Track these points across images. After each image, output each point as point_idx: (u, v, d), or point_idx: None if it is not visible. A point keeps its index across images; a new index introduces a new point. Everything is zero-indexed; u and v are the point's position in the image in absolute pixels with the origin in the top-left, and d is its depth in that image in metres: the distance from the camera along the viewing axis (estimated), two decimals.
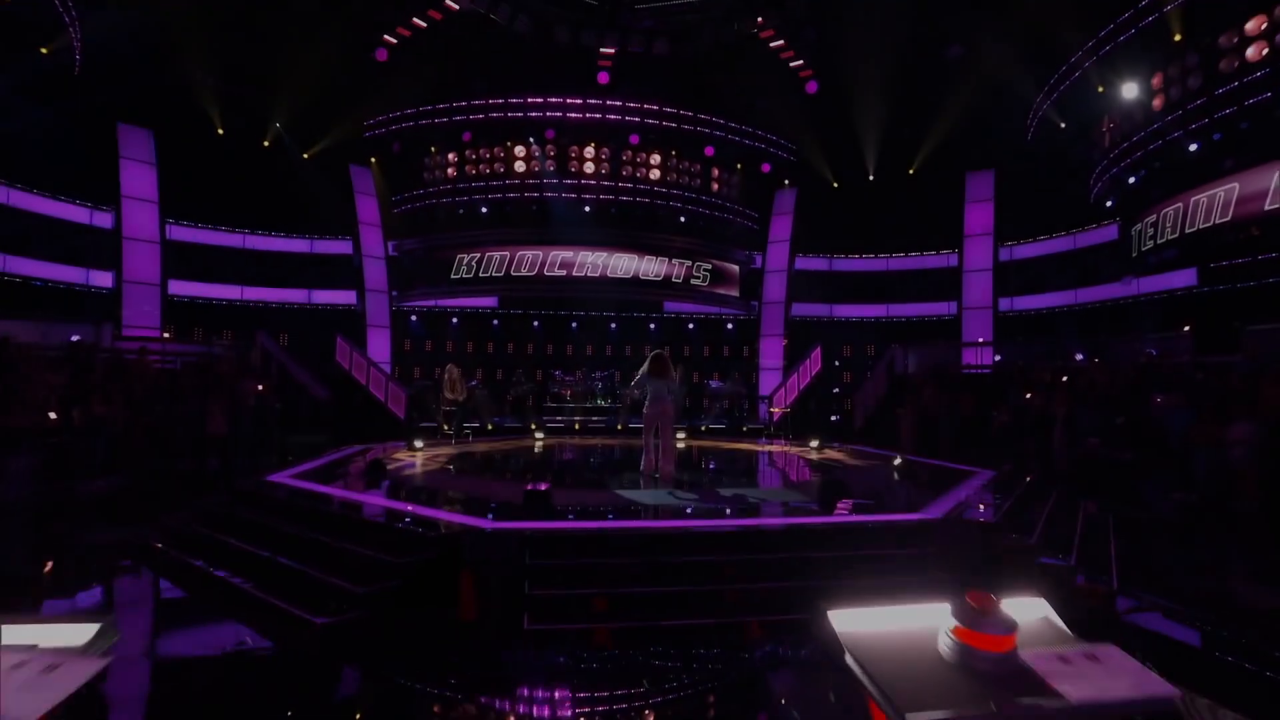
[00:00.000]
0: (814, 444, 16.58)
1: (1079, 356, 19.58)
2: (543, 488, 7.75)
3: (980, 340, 21.96)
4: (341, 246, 23.12)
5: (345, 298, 23.07)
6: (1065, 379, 16.37)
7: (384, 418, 18.85)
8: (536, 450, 15.85)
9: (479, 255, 22.57)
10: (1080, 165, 19.93)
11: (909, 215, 22.67)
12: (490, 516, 7.14)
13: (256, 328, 19.76)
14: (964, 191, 22.75)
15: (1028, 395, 16.42)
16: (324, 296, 23.07)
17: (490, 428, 19.29)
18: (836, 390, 23.08)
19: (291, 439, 15.95)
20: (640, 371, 11.24)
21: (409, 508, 7.74)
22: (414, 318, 23.43)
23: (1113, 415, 13.61)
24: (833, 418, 20.66)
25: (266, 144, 21.87)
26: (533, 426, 19.53)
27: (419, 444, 14.48)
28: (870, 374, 21.39)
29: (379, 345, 22.27)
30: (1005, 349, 21.75)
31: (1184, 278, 17.69)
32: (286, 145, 22.05)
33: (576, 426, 20.51)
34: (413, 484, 10.10)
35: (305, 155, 22.30)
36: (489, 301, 23.76)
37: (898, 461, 13.19)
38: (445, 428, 16.77)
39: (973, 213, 22.47)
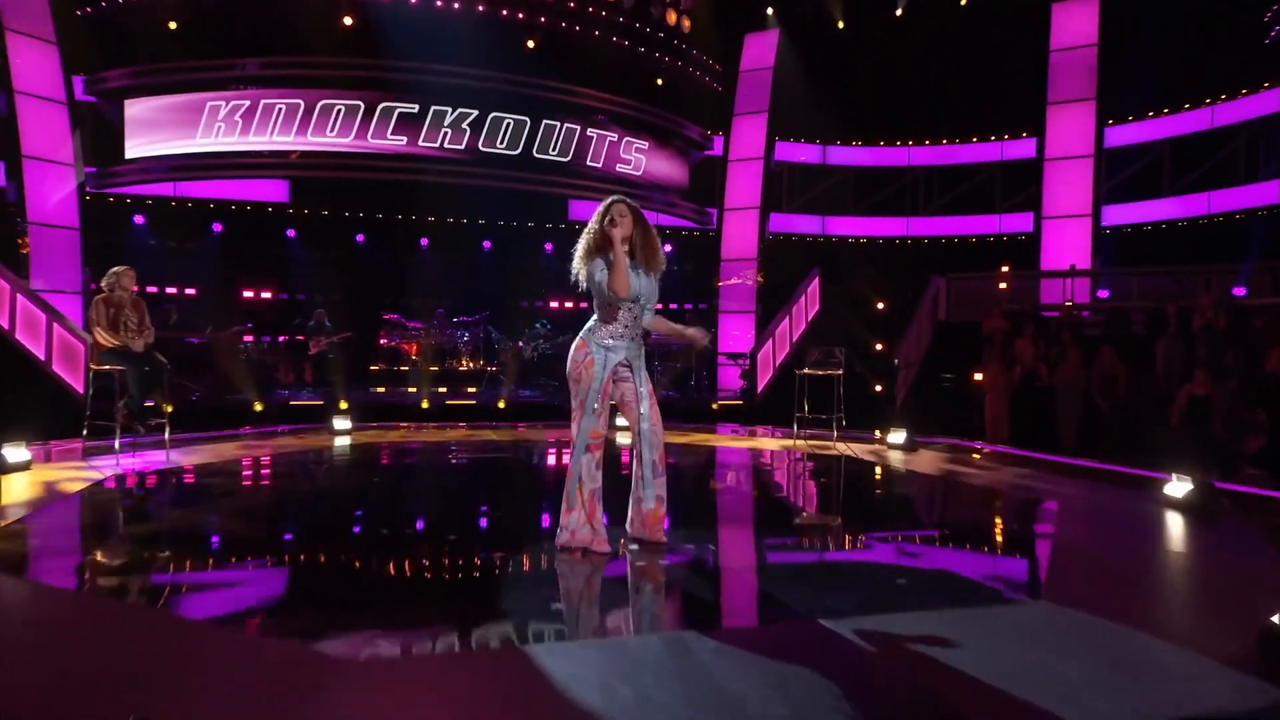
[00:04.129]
0: (892, 439, 10.26)
1: (1239, 291, 13.93)
2: None
3: (1073, 268, 16.15)
4: None
5: None
6: None
7: (49, 393, 11.07)
8: (318, 474, 8.27)
9: (246, 103, 14.81)
10: None
11: (955, 76, 16.40)
12: None
13: None
14: (1048, 33, 16.51)
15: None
16: None
17: (167, 409, 11.60)
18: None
19: None
20: (578, 258, 4.85)
21: None
22: (139, 218, 15.34)
23: None
24: (877, 388, 14.09)
25: None
26: (341, 405, 12.20)
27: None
28: (913, 320, 15.11)
29: (59, 265, 14.16)
30: (1112, 282, 15.99)
31: None
32: None
33: (425, 406, 13.27)
34: None
35: None
36: (273, 191, 16.03)
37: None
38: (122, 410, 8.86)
39: (1064, 69, 16.49)
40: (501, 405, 13.24)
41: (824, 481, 8.27)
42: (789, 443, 10.79)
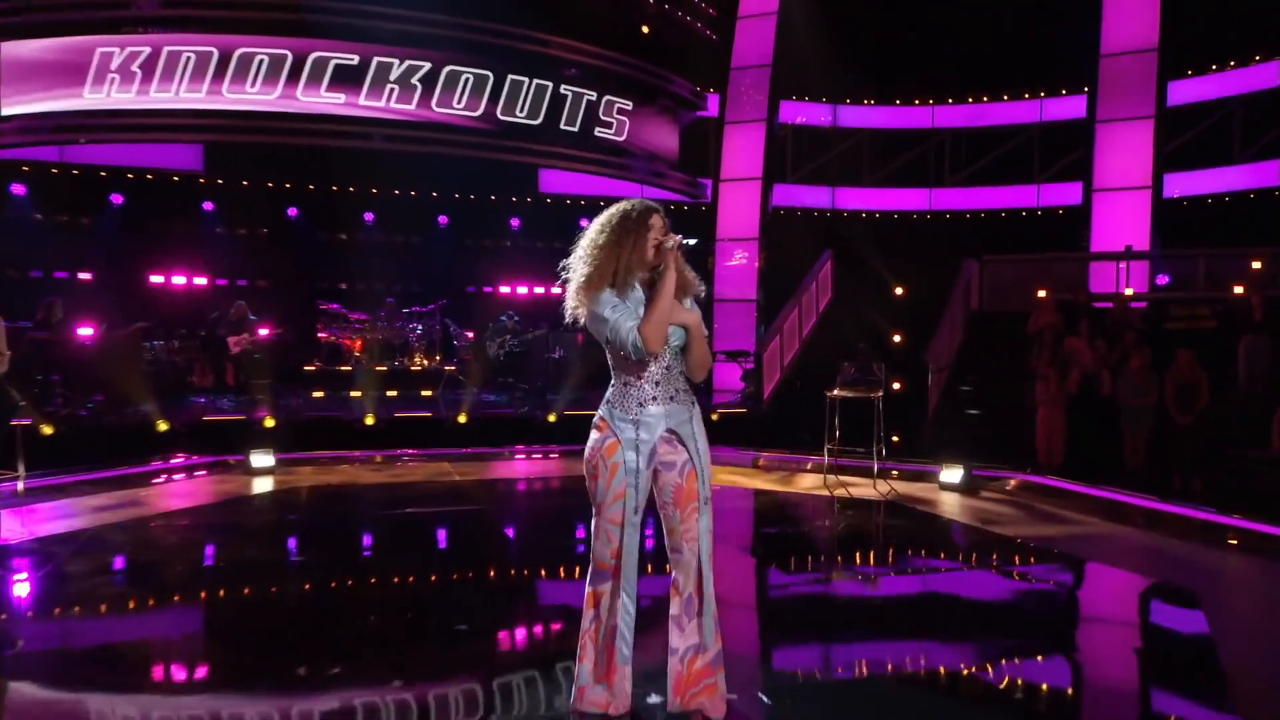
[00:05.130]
0: (946, 477, 8.51)
1: None
2: None
3: (1130, 249, 14.33)
4: None
5: None
6: None
7: None
8: (205, 577, 5.71)
9: (146, 51, 12.26)
10: None
11: (988, 22, 14.42)
12: None
13: None
14: None
15: None
16: None
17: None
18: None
19: None
20: (576, 288, 3.29)
21: None
22: (18, 188, 13.01)
23: None
24: (895, 385, 12.19)
25: None
26: (266, 423, 10.25)
27: None
28: (944, 313, 13.30)
29: None
30: (1173, 266, 14.22)
31: None
32: None
33: (370, 422, 11.18)
34: None
35: None
36: (183, 157, 13.56)
37: None
38: None
39: (1121, 12, 14.41)
40: (462, 419, 11.30)
41: (905, 566, 6.33)
42: (817, 479, 8.92)
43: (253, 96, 12.65)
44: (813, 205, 16.79)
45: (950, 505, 7.92)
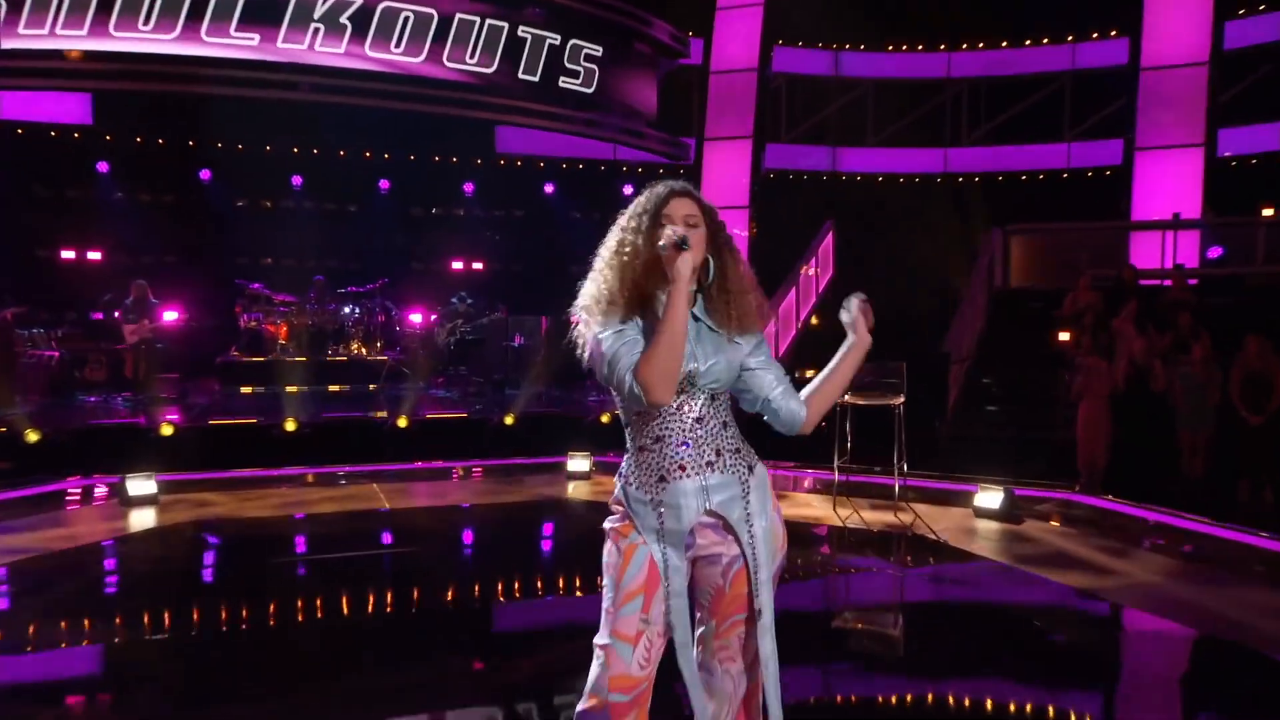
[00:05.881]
0: (983, 501, 7.11)
1: None
2: None
3: (1178, 217, 12.70)
4: None
5: None
6: None
7: None
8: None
9: None
10: None
11: None
12: None
13: None
14: None
15: None
16: None
17: None
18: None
19: None
20: (588, 300, 2.37)
21: None
22: None
23: None
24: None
25: None
26: (163, 430, 8.64)
27: None
28: (966, 291, 11.80)
29: None
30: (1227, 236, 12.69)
31: None
32: None
33: (290, 427, 9.35)
34: None
35: None
36: (69, 109, 11.93)
37: None
38: None
39: None
40: (403, 423, 9.63)
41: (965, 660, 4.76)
42: (824, 503, 7.42)
43: (146, 35, 10.94)
44: (811, 168, 15.48)
45: (993, 540, 6.54)
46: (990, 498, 7.04)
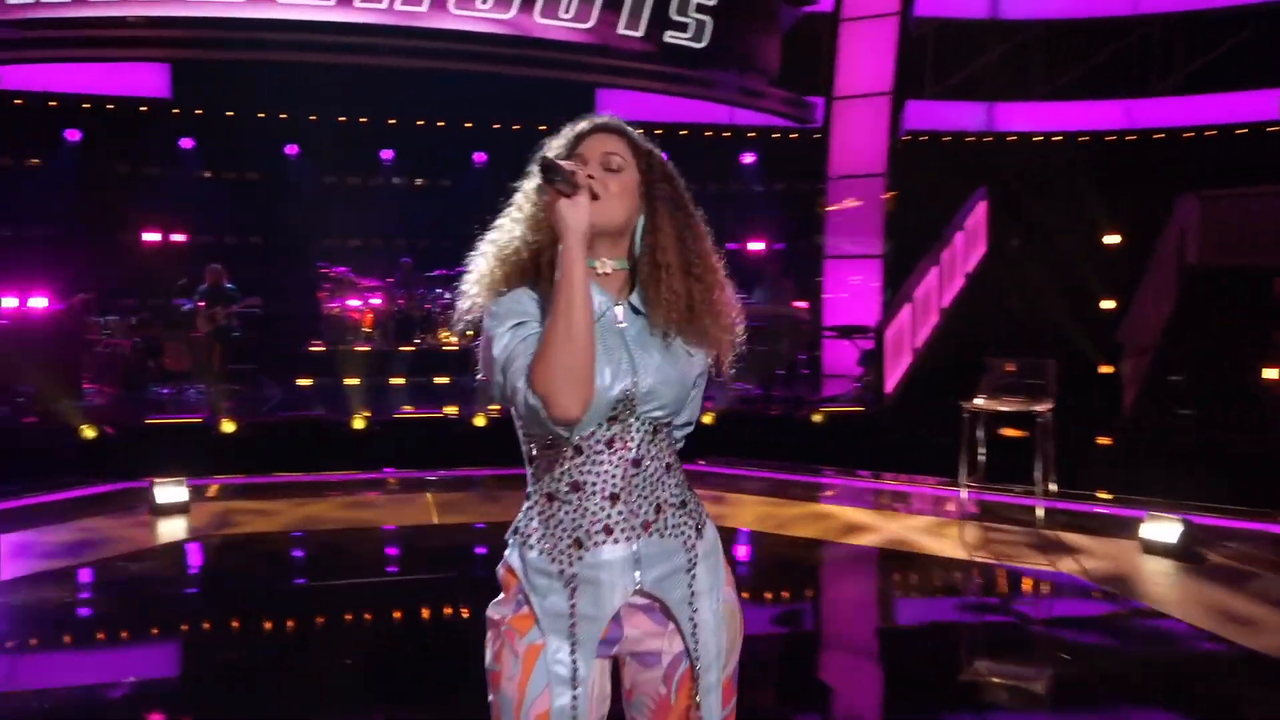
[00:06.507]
0: (1151, 532, 5.63)
1: None
2: None
3: None
4: None
5: None
6: None
7: None
8: None
9: None
10: None
11: None
12: None
13: None
14: None
15: None
16: None
17: None
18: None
19: None
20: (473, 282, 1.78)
21: None
22: None
23: None
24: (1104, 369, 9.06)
25: None
26: (225, 427, 8.00)
27: None
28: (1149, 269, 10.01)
29: None
30: None
31: None
32: None
33: (359, 426, 8.35)
34: None
35: None
36: (145, 81, 11.52)
37: None
38: None
39: None
40: (480, 421, 8.70)
41: None
42: (950, 530, 6.06)
43: (225, 1, 10.43)
44: (961, 128, 13.63)
45: (1167, 588, 5.10)
46: (1162, 529, 5.58)
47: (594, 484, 1.69)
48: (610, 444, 1.68)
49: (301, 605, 4.94)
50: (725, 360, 1.81)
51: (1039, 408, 5.90)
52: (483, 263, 1.79)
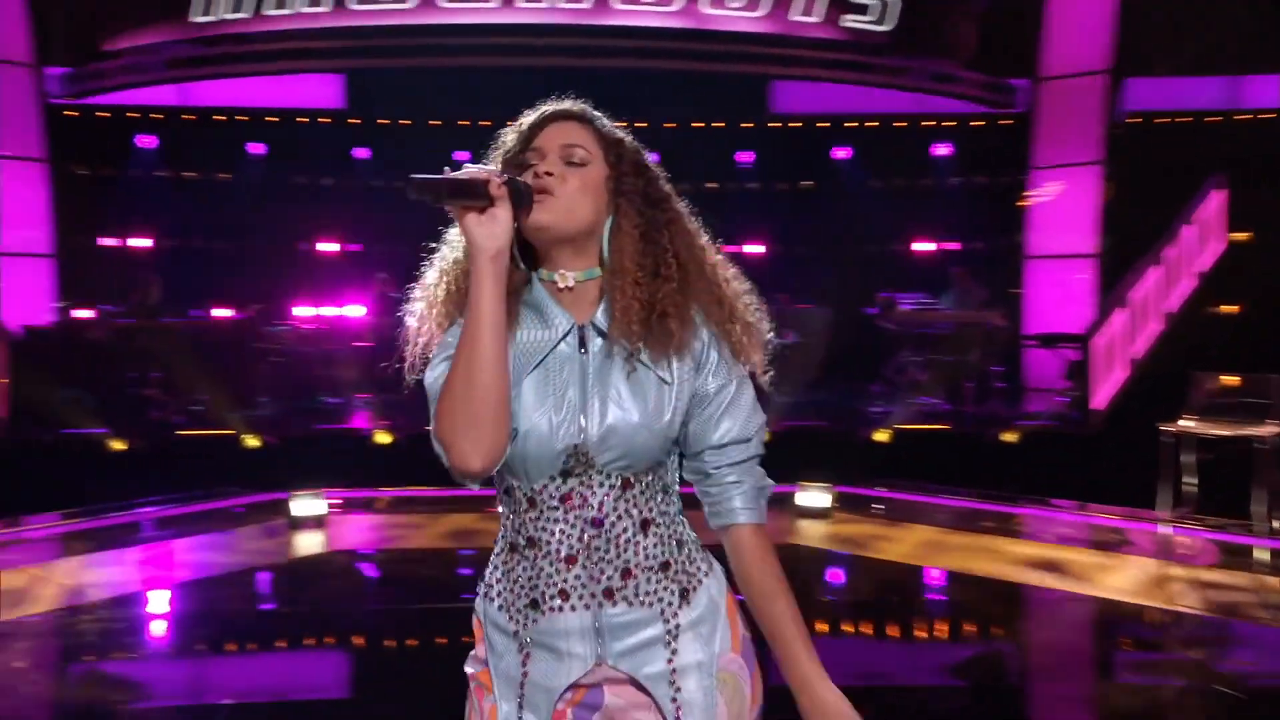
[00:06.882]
0: None
1: None
2: None
3: None
4: None
5: None
6: None
7: None
8: None
9: None
10: None
11: None
12: None
13: None
14: None
15: None
16: None
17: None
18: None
19: None
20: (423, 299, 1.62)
21: None
22: (146, 139, 11.46)
23: None
24: None
25: None
26: (378, 438, 8.08)
27: None
28: None
29: (18, 215, 10.43)
30: None
31: None
32: None
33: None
34: None
35: None
36: (320, 92, 11.85)
37: None
38: None
39: None
40: None
41: None
42: (1148, 573, 5.09)
43: (393, 8, 10.56)
44: (1196, 107, 11.51)
45: None
46: None
47: (548, 542, 1.51)
48: (565, 500, 1.49)
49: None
50: (753, 360, 1.58)
51: (1260, 431, 4.82)
52: (429, 294, 1.61)
